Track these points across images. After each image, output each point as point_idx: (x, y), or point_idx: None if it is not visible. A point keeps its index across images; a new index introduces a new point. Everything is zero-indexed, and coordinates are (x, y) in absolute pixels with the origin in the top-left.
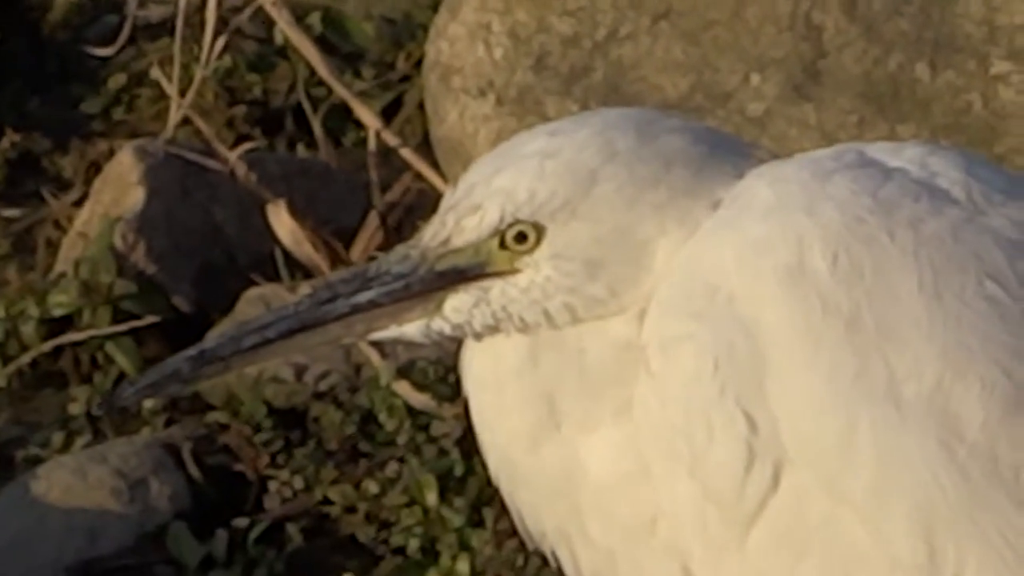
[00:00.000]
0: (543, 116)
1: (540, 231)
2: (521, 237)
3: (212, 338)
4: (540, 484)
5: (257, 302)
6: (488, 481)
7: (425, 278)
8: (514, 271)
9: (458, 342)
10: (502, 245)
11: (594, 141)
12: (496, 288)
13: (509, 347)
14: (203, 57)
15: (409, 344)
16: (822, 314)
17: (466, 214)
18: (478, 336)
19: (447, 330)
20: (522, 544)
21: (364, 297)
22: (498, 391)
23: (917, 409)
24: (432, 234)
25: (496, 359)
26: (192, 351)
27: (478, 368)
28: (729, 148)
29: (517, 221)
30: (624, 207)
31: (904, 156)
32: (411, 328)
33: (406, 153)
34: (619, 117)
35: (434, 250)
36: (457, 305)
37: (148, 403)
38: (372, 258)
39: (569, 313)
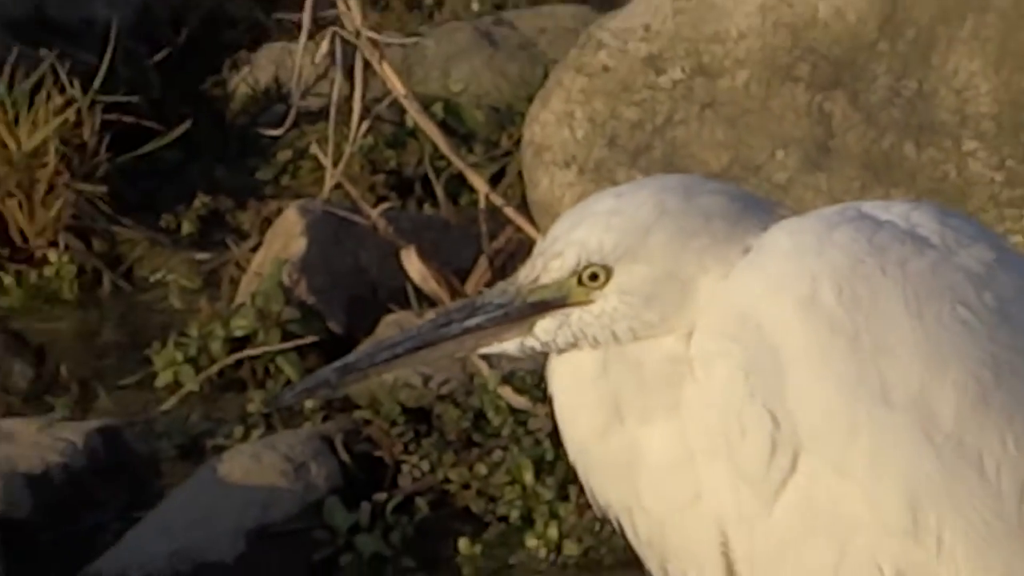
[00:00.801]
0: (614, 183)
1: (608, 271)
2: (594, 276)
3: (353, 353)
4: (608, 466)
5: (394, 326)
6: (571, 466)
7: (520, 307)
8: (589, 302)
9: (545, 356)
10: (579, 282)
11: (649, 201)
12: (575, 315)
13: (585, 359)
14: (351, 137)
15: (508, 358)
16: (830, 334)
17: (551, 259)
18: (560, 351)
19: (537, 347)
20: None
21: (473, 322)
22: (577, 394)
23: (904, 407)
24: (525, 274)
25: (575, 369)
26: (338, 364)
27: (560, 376)
28: (757, 206)
29: (590, 264)
30: (673, 253)
31: (892, 211)
32: (509, 345)
33: (508, 211)
34: (670, 181)
35: (527, 286)
36: (545, 327)
37: (309, 403)
38: (487, 285)
39: (631, 334)
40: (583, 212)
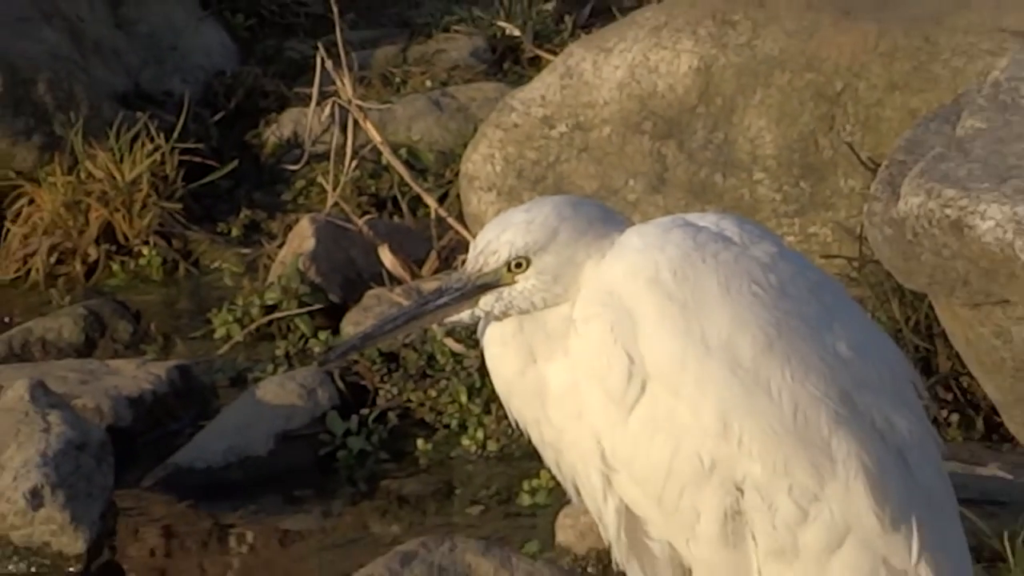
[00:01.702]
0: (520, 202)
1: (528, 261)
2: (518, 265)
3: (368, 326)
4: (524, 393)
5: (374, 298)
6: (493, 391)
7: (470, 289)
8: (514, 282)
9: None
10: (508, 270)
11: (552, 212)
12: (506, 292)
13: (507, 323)
14: (345, 171)
15: (463, 324)
16: (668, 301)
17: (490, 255)
18: (495, 318)
19: (481, 316)
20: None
21: (441, 301)
22: (501, 344)
23: (717, 350)
24: (472, 267)
25: (500, 329)
26: (360, 334)
27: (490, 334)
28: (615, 217)
29: (517, 257)
30: (571, 246)
31: (707, 220)
32: (464, 315)
33: (450, 221)
34: (562, 199)
35: (474, 275)
36: (487, 301)
37: (317, 348)
38: (436, 274)
39: (543, 303)
40: (506, 222)
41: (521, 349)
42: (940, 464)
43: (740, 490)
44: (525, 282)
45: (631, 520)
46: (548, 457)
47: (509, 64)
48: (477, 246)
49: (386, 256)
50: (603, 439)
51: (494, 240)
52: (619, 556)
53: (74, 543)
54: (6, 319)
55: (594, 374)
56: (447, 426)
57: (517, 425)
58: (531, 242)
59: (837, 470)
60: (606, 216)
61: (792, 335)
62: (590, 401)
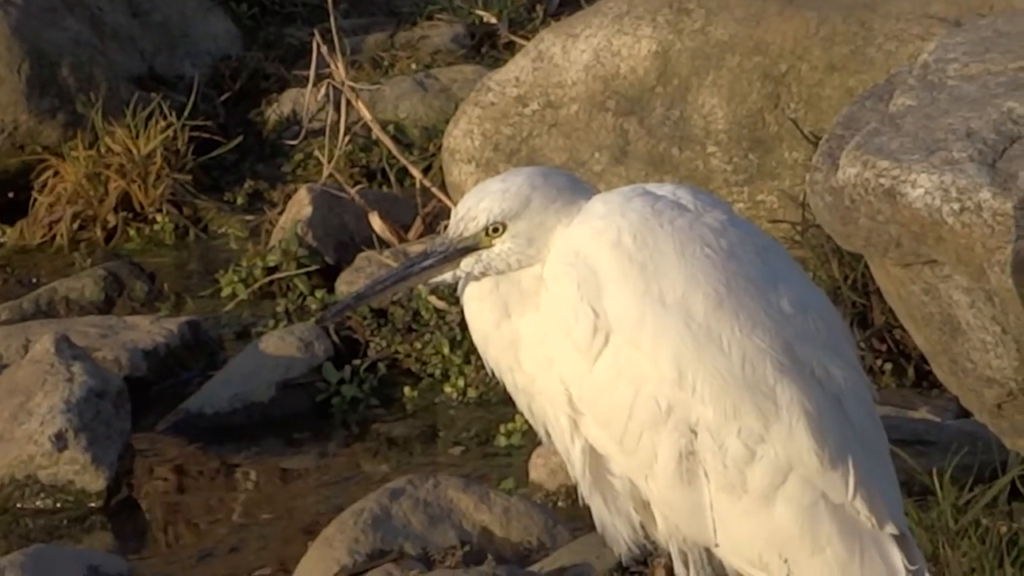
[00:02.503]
0: (497, 172)
1: (504, 226)
2: (495, 229)
3: (362, 286)
4: (500, 344)
5: (365, 260)
6: (472, 344)
7: (451, 253)
8: (492, 246)
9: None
10: (486, 234)
11: (526, 181)
12: (484, 254)
13: (484, 282)
14: (339, 145)
15: (446, 284)
16: (628, 262)
17: (470, 222)
18: (474, 278)
19: (462, 276)
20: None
21: (427, 263)
22: (479, 301)
23: (673, 306)
24: (453, 231)
25: (478, 287)
26: (354, 293)
27: (469, 292)
28: (582, 186)
29: (494, 222)
30: (543, 211)
31: (664, 190)
32: (448, 276)
33: (434, 190)
34: (535, 171)
35: (455, 239)
36: (467, 263)
37: (314, 305)
38: (421, 238)
39: (518, 264)
40: (484, 191)
41: (497, 305)
42: (873, 408)
43: (694, 432)
44: (501, 245)
45: (595, 459)
46: (521, 402)
47: (486, 49)
48: (458, 213)
49: (376, 222)
50: (570, 386)
51: (473, 207)
52: (585, 491)
53: (95, 481)
54: (33, 279)
55: (562, 327)
56: (431, 375)
57: (493, 374)
58: (506, 209)
59: (781, 414)
60: (574, 185)
61: (740, 293)
62: (559, 351)
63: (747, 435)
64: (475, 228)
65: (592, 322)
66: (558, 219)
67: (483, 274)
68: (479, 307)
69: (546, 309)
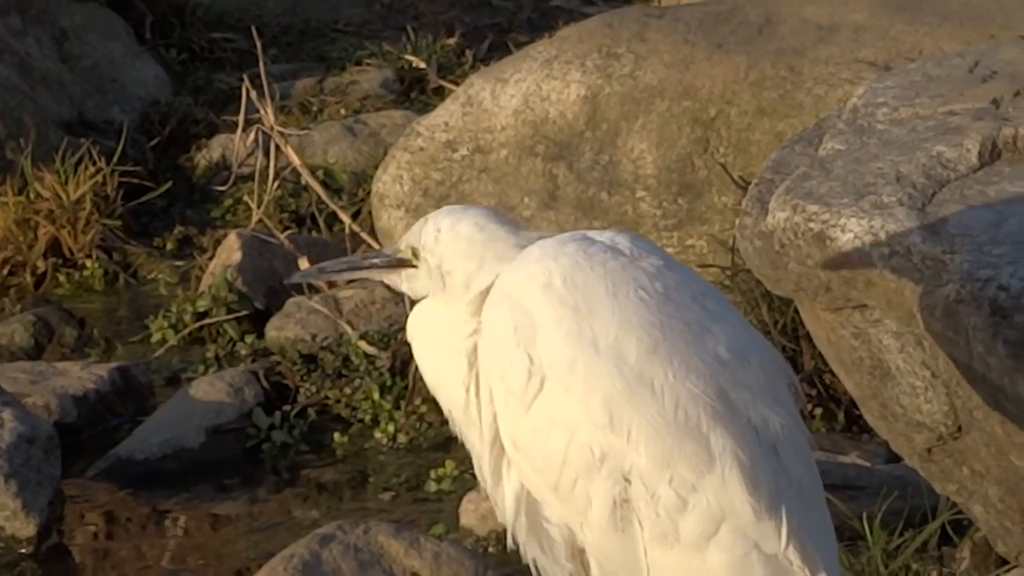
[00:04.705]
0: None
1: (419, 254)
2: (415, 254)
3: (323, 264)
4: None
5: (295, 305)
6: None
7: (392, 260)
8: (416, 266)
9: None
10: (414, 255)
11: (449, 223)
12: (411, 271)
13: (432, 309)
14: (268, 190)
15: (395, 287)
16: (560, 306)
17: (404, 240)
18: (410, 291)
19: (404, 285)
20: (419, 418)
21: (374, 261)
22: (425, 330)
23: (605, 351)
24: (399, 244)
25: (427, 311)
26: (315, 268)
27: (418, 314)
28: (518, 238)
29: (410, 247)
30: (452, 257)
31: (604, 236)
32: (393, 279)
33: (364, 235)
34: (472, 216)
35: (395, 250)
36: (404, 274)
37: (243, 351)
38: (350, 283)
39: (427, 292)
40: (428, 217)
41: (447, 351)
42: (810, 455)
43: (627, 480)
44: (418, 270)
45: (531, 504)
46: (457, 431)
47: (416, 94)
48: (402, 240)
49: (305, 267)
50: (505, 430)
51: (414, 227)
52: (520, 538)
53: (26, 527)
54: None
55: (496, 371)
56: (361, 420)
57: (428, 386)
58: (419, 242)
59: (714, 463)
60: (507, 239)
61: (675, 337)
62: (496, 394)
63: (679, 484)
64: (405, 244)
65: (527, 368)
66: (482, 267)
67: (411, 289)
68: (424, 333)
69: (482, 353)
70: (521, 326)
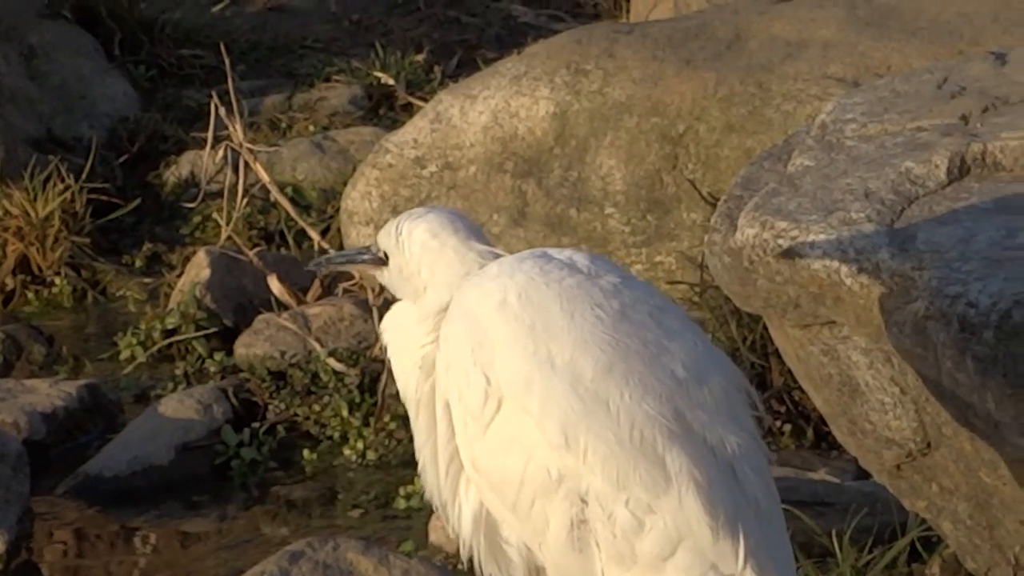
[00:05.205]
0: None
1: (388, 256)
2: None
3: (332, 255)
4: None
5: (264, 322)
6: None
7: (377, 257)
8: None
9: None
10: (386, 255)
11: (409, 227)
12: (383, 268)
13: (405, 307)
14: (237, 207)
15: (379, 281)
16: (516, 324)
17: (379, 238)
18: (389, 287)
19: (384, 279)
20: (389, 435)
21: (365, 256)
22: (400, 328)
23: (561, 369)
24: (376, 245)
25: (402, 311)
26: (325, 257)
27: (392, 313)
28: (479, 245)
29: (380, 248)
30: (410, 261)
31: (563, 254)
32: (377, 273)
33: (332, 252)
34: (434, 220)
35: (376, 247)
36: (383, 269)
37: (213, 368)
38: (319, 300)
39: (397, 291)
40: (398, 218)
41: (415, 329)
42: (768, 475)
43: (584, 501)
44: (389, 269)
45: (490, 524)
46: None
47: (384, 110)
48: (377, 241)
49: (274, 284)
50: (464, 450)
51: (384, 228)
52: (478, 557)
53: None
54: None
55: (455, 392)
56: (330, 438)
57: (400, 397)
58: (385, 244)
59: (670, 484)
60: (467, 244)
61: (631, 357)
62: (455, 414)
63: (635, 505)
64: (379, 245)
65: (484, 388)
66: (429, 272)
67: (389, 288)
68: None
69: (440, 371)
70: (478, 345)
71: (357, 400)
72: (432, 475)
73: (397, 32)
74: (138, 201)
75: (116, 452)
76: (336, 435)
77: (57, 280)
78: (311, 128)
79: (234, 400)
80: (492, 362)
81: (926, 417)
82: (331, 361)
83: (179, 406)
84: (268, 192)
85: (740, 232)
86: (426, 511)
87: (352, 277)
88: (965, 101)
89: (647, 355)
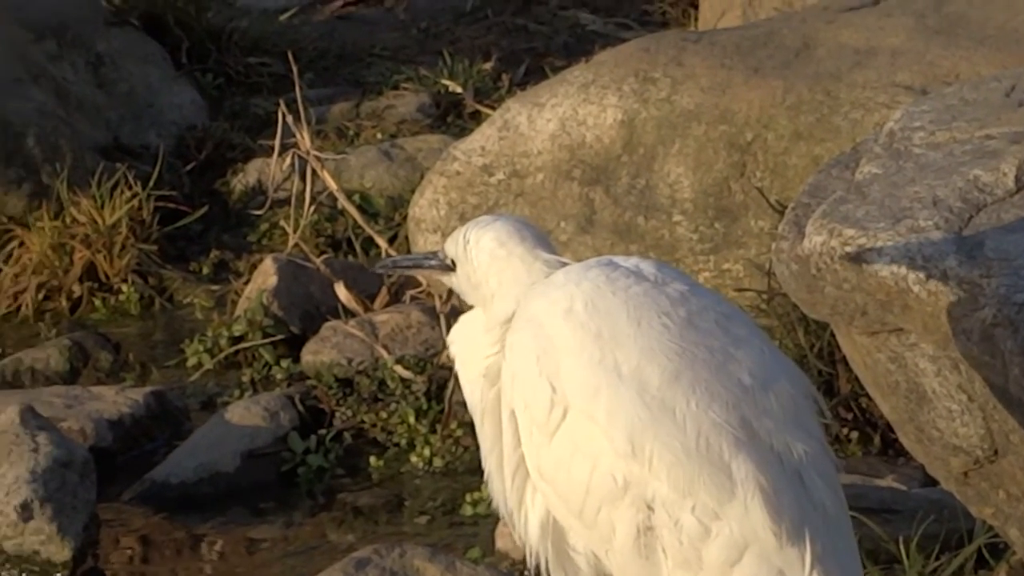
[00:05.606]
0: None
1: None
2: (454, 262)
3: (398, 258)
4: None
5: (331, 329)
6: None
7: (444, 263)
8: (454, 271)
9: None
10: (453, 262)
11: (476, 237)
12: (451, 274)
13: (473, 317)
14: (304, 215)
15: (447, 283)
16: (582, 332)
17: (445, 246)
18: (460, 293)
19: (452, 284)
20: (455, 442)
21: (432, 263)
22: (469, 339)
23: (628, 378)
24: (443, 251)
25: (470, 322)
26: (391, 260)
27: (460, 324)
28: (545, 253)
29: (448, 257)
30: (478, 271)
31: (629, 262)
32: (444, 278)
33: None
34: (500, 229)
35: (443, 254)
36: (450, 275)
37: (279, 375)
38: (386, 307)
39: (466, 298)
40: (465, 226)
41: (484, 338)
42: (835, 481)
43: (650, 508)
44: (457, 276)
45: (557, 531)
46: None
47: (452, 118)
48: (443, 250)
49: (341, 292)
50: (530, 458)
51: (452, 235)
52: (545, 565)
53: (61, 551)
54: None
55: (520, 401)
56: (397, 444)
57: (465, 406)
58: (452, 252)
59: (736, 490)
60: (534, 253)
61: (698, 365)
62: (521, 422)
63: (702, 512)
64: (446, 252)
65: (550, 397)
66: (497, 281)
67: (459, 293)
68: (466, 343)
69: (505, 380)
70: (544, 354)
71: (424, 407)
72: (498, 483)
73: (465, 40)
74: (205, 209)
75: (182, 459)
76: (403, 442)
77: (124, 287)
78: (379, 136)
79: (301, 407)
80: (558, 371)
81: (993, 424)
82: (398, 368)
83: (246, 413)
84: (335, 200)
85: (808, 239)
86: (493, 518)
87: (419, 284)
88: None
89: (714, 363)
